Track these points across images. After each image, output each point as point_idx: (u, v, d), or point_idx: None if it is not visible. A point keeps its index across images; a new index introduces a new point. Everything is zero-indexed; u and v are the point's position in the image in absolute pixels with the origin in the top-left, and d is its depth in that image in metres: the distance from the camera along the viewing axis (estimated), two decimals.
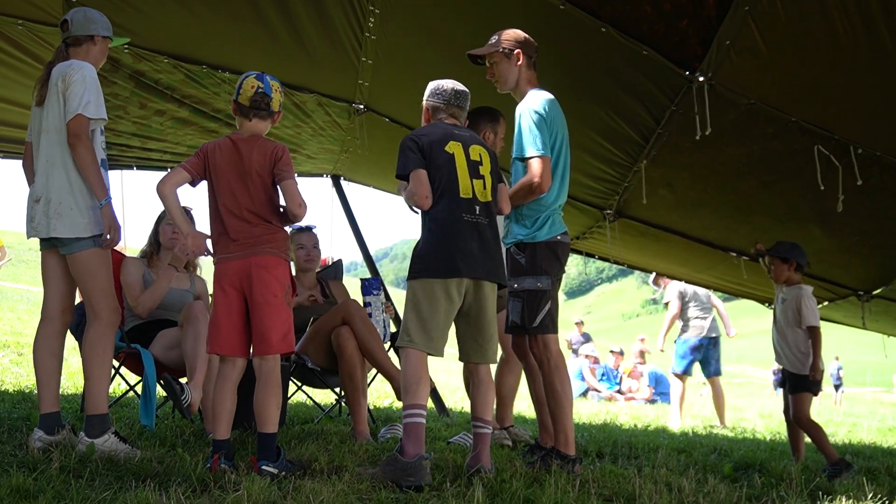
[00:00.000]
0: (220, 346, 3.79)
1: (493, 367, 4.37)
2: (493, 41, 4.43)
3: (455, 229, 3.83)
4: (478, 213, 3.90)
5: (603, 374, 15.18)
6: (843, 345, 25.85)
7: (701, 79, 4.79)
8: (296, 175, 3.87)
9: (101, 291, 3.91)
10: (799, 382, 5.65)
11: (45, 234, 3.85)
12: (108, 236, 3.87)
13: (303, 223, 5.89)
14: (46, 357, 3.98)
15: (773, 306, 5.99)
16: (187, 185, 3.86)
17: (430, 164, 3.88)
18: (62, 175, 3.85)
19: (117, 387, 6.06)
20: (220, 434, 3.74)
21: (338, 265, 6.76)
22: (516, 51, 4.37)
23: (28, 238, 3.96)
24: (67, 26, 4.06)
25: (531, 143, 4.20)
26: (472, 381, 4.07)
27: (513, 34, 4.41)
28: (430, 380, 6.51)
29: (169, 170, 3.92)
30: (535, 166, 4.20)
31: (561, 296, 4.80)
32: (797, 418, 5.68)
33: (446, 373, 16.33)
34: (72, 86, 3.82)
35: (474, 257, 3.84)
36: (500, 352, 4.58)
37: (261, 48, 5.68)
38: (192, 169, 3.83)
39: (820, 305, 8.21)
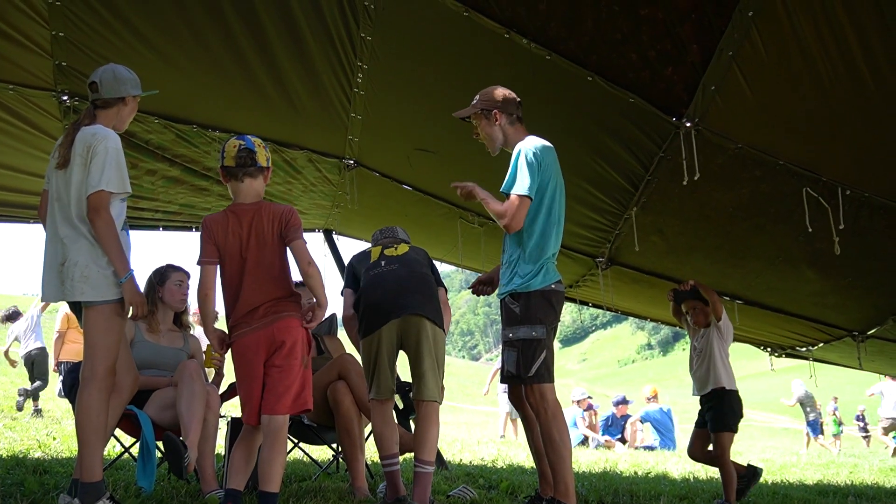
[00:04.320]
0: (256, 419, 3.76)
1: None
2: (474, 101, 4.44)
3: None
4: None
5: (611, 424, 14.59)
6: (842, 384, 25.76)
7: (688, 124, 4.84)
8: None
9: (107, 349, 3.80)
10: (721, 420, 5.59)
11: (71, 297, 3.78)
12: (130, 310, 3.82)
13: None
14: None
15: (691, 351, 5.92)
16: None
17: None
18: (86, 242, 3.76)
19: (112, 448, 5.98)
20: (235, 483, 3.74)
21: (332, 320, 6.71)
22: (493, 111, 4.37)
23: (46, 301, 3.88)
24: (96, 87, 3.95)
25: (517, 182, 4.19)
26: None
27: (490, 93, 4.41)
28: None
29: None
30: (511, 204, 4.17)
31: (556, 344, 4.78)
32: (720, 457, 5.57)
33: (443, 424, 16.17)
34: (95, 158, 3.73)
35: None
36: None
37: (250, 107, 5.73)
38: (209, 256, 3.77)
39: (815, 347, 8.22)
